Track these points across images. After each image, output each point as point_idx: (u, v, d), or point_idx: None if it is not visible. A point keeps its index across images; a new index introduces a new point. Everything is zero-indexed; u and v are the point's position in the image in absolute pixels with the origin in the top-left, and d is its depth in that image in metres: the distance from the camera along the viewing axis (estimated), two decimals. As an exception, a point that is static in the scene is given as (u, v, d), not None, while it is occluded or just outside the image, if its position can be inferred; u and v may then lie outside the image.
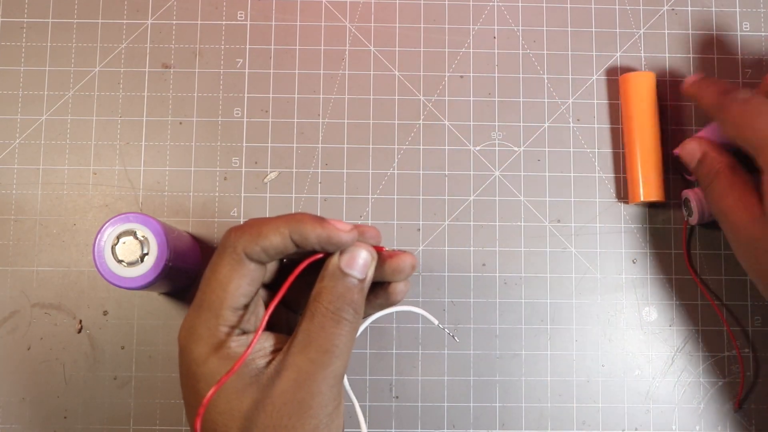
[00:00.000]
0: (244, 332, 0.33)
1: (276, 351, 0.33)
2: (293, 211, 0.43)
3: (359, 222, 0.39)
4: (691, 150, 0.43)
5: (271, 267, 0.35)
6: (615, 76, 0.48)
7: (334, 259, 0.33)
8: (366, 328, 0.42)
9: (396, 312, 0.37)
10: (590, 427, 0.45)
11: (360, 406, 0.45)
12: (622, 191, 0.47)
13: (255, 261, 0.32)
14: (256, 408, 0.31)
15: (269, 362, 0.32)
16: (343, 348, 0.32)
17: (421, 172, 0.47)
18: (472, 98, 0.48)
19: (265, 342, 0.33)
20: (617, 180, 0.47)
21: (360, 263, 0.33)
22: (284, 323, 0.37)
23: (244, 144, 0.47)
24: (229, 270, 0.32)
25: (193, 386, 0.32)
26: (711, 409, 0.45)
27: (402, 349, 0.46)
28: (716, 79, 0.46)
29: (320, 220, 0.32)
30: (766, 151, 0.38)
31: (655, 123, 0.46)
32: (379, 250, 0.34)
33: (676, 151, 0.45)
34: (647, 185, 0.46)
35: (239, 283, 0.32)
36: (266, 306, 0.34)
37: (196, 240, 0.46)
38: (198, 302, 0.33)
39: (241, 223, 0.33)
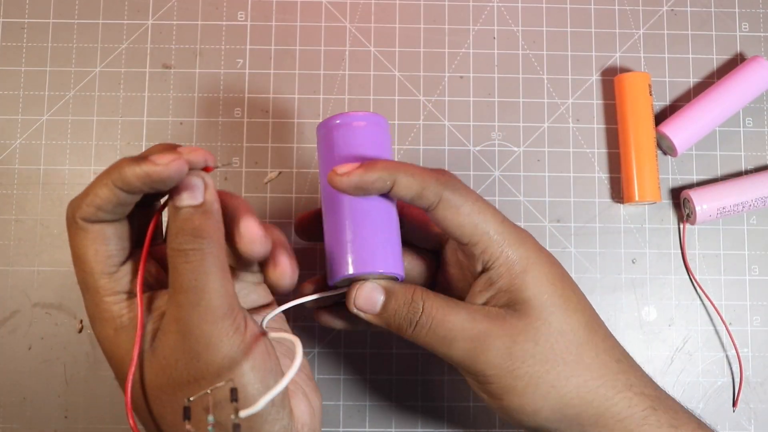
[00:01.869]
0: (133, 294, 0.31)
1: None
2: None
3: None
4: (368, 295, 0.34)
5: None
6: (614, 77, 0.48)
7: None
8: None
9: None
10: (590, 427, 0.45)
11: (360, 405, 0.45)
12: (622, 192, 0.47)
13: (98, 222, 0.30)
14: (157, 375, 0.29)
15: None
16: (204, 279, 0.29)
17: (421, 172, 0.47)
18: (471, 98, 0.48)
19: (159, 300, 0.31)
20: (616, 180, 0.47)
21: (190, 188, 0.30)
22: None
23: (244, 144, 0.47)
24: (78, 242, 0.30)
25: (118, 366, 0.31)
26: (710, 409, 0.46)
27: (402, 349, 0.46)
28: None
29: (138, 159, 0.29)
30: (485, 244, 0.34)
31: (650, 123, 0.46)
32: (207, 170, 0.31)
33: (353, 307, 0.34)
34: (642, 185, 0.46)
35: (95, 249, 0.30)
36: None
37: None
38: (80, 287, 0.31)
39: None
